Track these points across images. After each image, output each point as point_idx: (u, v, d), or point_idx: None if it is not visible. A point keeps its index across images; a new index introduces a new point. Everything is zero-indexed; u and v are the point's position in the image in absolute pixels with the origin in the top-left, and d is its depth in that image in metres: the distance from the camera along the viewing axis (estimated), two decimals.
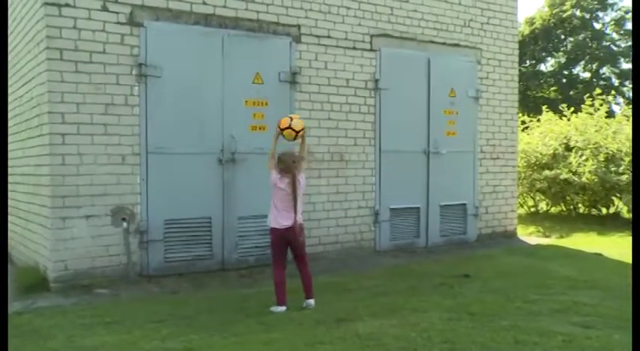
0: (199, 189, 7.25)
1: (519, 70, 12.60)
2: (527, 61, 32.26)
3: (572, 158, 11.97)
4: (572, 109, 13.56)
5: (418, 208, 9.09)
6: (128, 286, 6.63)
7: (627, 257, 7.21)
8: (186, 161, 7.15)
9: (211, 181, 7.33)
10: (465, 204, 9.59)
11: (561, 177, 11.85)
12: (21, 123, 7.54)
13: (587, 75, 33.17)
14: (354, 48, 8.45)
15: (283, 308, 5.50)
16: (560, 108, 13.81)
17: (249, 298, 6.12)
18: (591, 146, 12.08)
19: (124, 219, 6.80)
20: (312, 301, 5.63)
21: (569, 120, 13.27)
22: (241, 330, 4.89)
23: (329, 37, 8.22)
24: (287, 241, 5.59)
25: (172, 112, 7.08)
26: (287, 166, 5.56)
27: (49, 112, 6.42)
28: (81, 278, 6.55)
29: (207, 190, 7.30)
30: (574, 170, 11.82)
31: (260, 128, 7.66)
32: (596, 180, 11.54)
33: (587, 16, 32.36)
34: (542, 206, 13.74)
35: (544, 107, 14.53)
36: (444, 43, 9.29)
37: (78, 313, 5.50)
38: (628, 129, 12.01)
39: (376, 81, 8.62)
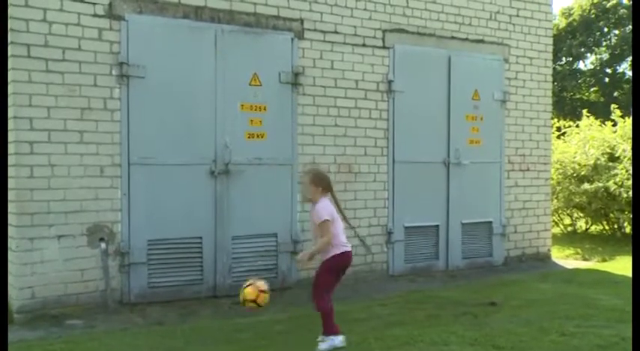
0: (188, 205, 7.21)
1: (554, 68, 12.57)
2: (564, 59, 32.21)
3: (620, 169, 11.79)
4: (619, 113, 13.28)
5: (437, 226, 9.05)
6: (106, 316, 6.57)
7: None
8: (173, 173, 7.12)
9: (202, 195, 7.29)
10: (490, 222, 9.53)
11: (604, 191, 11.73)
12: None
13: None
14: (365, 45, 8.44)
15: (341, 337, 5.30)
16: (612, 110, 13.51)
17: (245, 328, 6.06)
18: None
19: (102, 239, 6.76)
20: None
21: (614, 125, 13.08)
22: None
23: (336, 32, 8.22)
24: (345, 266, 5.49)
25: (158, 118, 7.06)
26: (328, 183, 5.49)
27: (14, 116, 6.38)
28: (50, 307, 6.50)
29: (197, 206, 7.26)
30: (620, 183, 11.68)
31: (258, 136, 7.64)
32: None
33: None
34: (581, 225, 13.65)
35: (585, 111, 14.37)
36: (466, 39, 9.28)
37: (45, 347, 5.42)
38: None
39: (389, 82, 8.61)
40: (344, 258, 5.45)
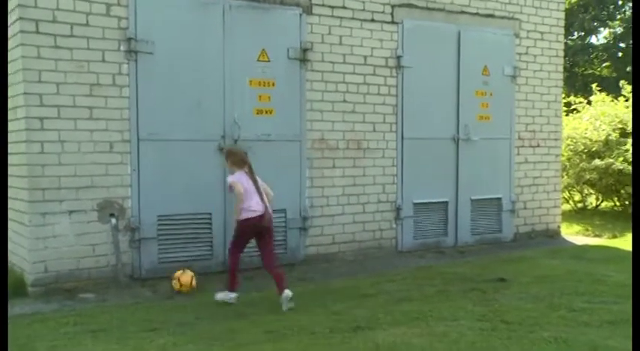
0: (198, 181, 7.28)
1: (565, 43, 12.47)
2: (575, 33, 31.80)
3: (630, 145, 11.77)
4: (629, 88, 13.24)
5: (446, 202, 9.09)
6: (117, 290, 6.69)
7: None
8: (182, 149, 7.18)
9: (212, 171, 7.35)
10: (499, 198, 9.56)
11: (615, 167, 11.73)
12: None
13: None
14: (373, 20, 8.42)
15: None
16: (620, 85, 13.45)
17: (255, 303, 6.15)
18: None
19: (112, 215, 6.84)
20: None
21: (627, 100, 13.03)
22: (246, 339, 4.92)
23: (344, 7, 8.20)
24: (257, 230, 6.20)
25: (167, 94, 7.10)
26: (239, 158, 6.30)
27: (24, 93, 6.45)
28: (63, 281, 6.61)
29: (206, 182, 7.32)
30: (630, 161, 11.67)
31: (266, 112, 7.68)
32: None
33: None
34: (592, 201, 13.64)
35: (594, 86, 14.32)
36: (476, 14, 9.23)
37: (59, 320, 5.55)
38: None
39: (398, 58, 8.60)
40: (249, 222, 6.12)
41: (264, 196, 6.21)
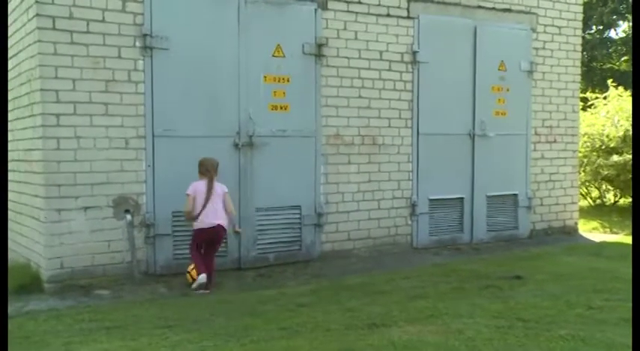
0: None
1: (583, 37, 12.37)
2: (594, 27, 31.54)
3: None
4: None
5: (462, 198, 9.07)
6: (132, 287, 6.73)
7: None
8: (197, 145, 7.18)
9: (226, 167, 7.34)
10: (516, 194, 9.53)
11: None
12: (9, 102, 7.67)
13: None
14: (389, 15, 8.40)
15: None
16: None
17: (269, 300, 6.15)
18: None
19: (127, 211, 6.89)
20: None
21: None
22: (260, 336, 4.92)
23: (360, 2, 8.19)
24: (209, 239, 6.73)
25: (182, 90, 7.13)
26: (204, 168, 6.74)
27: (41, 89, 6.50)
28: (78, 278, 6.67)
29: (221, 178, 7.31)
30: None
31: (281, 108, 7.69)
32: None
33: None
34: (609, 197, 13.55)
35: (610, 81, 14.21)
36: (493, 9, 9.19)
37: (75, 316, 5.58)
38: None
39: (414, 53, 8.58)
40: (202, 233, 6.66)
41: (221, 207, 6.71)
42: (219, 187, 6.76)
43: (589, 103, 13.96)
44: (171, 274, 7.07)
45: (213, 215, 6.64)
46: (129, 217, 6.86)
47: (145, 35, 6.89)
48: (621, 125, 12.40)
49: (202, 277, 6.50)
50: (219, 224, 6.67)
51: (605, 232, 10.68)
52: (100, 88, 6.73)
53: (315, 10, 7.88)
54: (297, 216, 7.87)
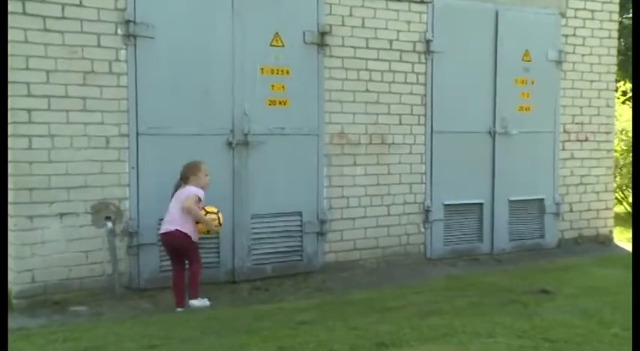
0: None
1: (620, 22, 12.30)
2: (631, 11, 31.51)
3: None
4: None
5: (481, 204, 9.05)
6: (113, 302, 6.70)
7: None
8: (186, 144, 7.17)
9: (219, 169, 7.33)
10: (542, 199, 9.50)
11: None
12: None
13: None
14: None
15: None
16: None
17: (266, 316, 6.12)
18: None
19: (108, 218, 6.86)
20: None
21: None
22: None
23: None
24: (166, 247, 6.71)
25: (169, 83, 7.11)
26: (181, 173, 6.75)
27: (10, 81, 6.44)
28: (52, 292, 6.63)
29: (213, 181, 7.25)
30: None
31: (280, 103, 7.67)
32: None
33: None
34: None
35: None
36: None
37: (48, 336, 5.49)
38: None
39: (427, 42, 8.56)
40: (161, 238, 6.69)
41: (179, 212, 6.54)
42: (185, 192, 6.61)
43: (628, 95, 13.89)
44: (157, 287, 7.03)
45: (168, 221, 6.57)
46: (110, 224, 6.83)
47: (127, 22, 6.86)
48: None
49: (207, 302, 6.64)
50: (173, 230, 6.52)
51: None
52: (77, 80, 6.69)
53: None
54: (298, 223, 7.86)
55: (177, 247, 6.57)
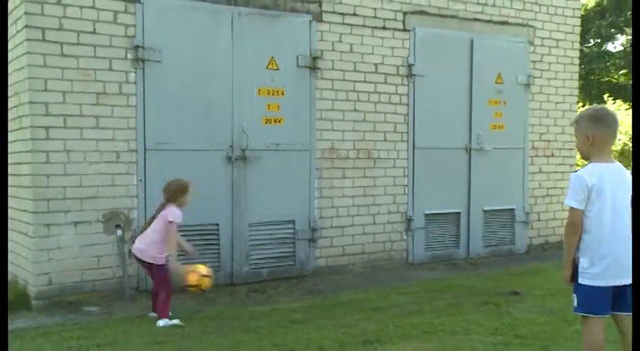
0: (205, 191, 7.23)
1: (581, 50, 12.42)
2: (592, 40, 31.70)
3: None
4: None
5: (458, 213, 9.08)
6: (123, 303, 6.71)
7: None
8: (189, 159, 7.20)
9: (219, 182, 7.38)
10: (513, 209, 9.54)
11: None
12: None
13: None
14: (385, 27, 8.44)
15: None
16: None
17: (263, 316, 6.14)
18: None
19: (118, 226, 6.88)
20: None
21: None
22: None
23: (355, 14, 8.22)
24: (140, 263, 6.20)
25: (174, 103, 7.13)
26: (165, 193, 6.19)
27: (30, 102, 6.49)
28: (67, 294, 6.64)
29: (214, 193, 7.34)
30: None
31: (275, 121, 7.70)
32: None
33: None
34: None
35: (606, 95, 14.29)
36: (490, 21, 9.24)
37: (63, 334, 5.54)
38: None
39: (410, 66, 8.61)
40: (134, 255, 6.17)
41: (155, 235, 6.00)
42: (167, 214, 6.02)
43: None
44: None
45: (140, 239, 6.09)
46: (119, 232, 6.85)
47: (136, 47, 6.90)
48: (619, 139, 12.46)
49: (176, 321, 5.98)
50: (140, 250, 6.06)
51: None
52: (90, 100, 6.73)
53: (310, 22, 7.91)
54: (291, 231, 7.86)
55: (147, 264, 6.09)
